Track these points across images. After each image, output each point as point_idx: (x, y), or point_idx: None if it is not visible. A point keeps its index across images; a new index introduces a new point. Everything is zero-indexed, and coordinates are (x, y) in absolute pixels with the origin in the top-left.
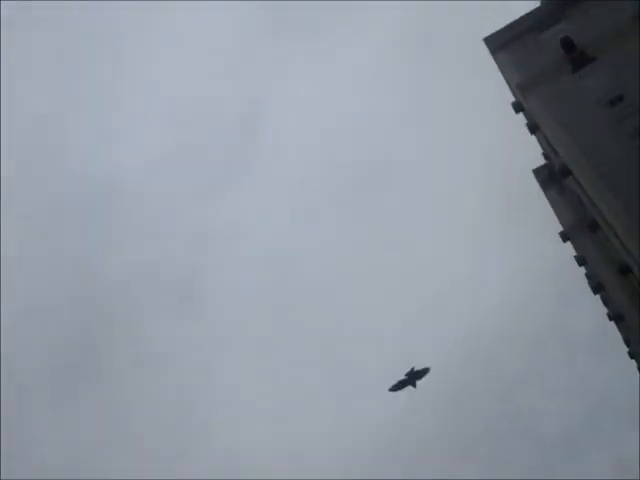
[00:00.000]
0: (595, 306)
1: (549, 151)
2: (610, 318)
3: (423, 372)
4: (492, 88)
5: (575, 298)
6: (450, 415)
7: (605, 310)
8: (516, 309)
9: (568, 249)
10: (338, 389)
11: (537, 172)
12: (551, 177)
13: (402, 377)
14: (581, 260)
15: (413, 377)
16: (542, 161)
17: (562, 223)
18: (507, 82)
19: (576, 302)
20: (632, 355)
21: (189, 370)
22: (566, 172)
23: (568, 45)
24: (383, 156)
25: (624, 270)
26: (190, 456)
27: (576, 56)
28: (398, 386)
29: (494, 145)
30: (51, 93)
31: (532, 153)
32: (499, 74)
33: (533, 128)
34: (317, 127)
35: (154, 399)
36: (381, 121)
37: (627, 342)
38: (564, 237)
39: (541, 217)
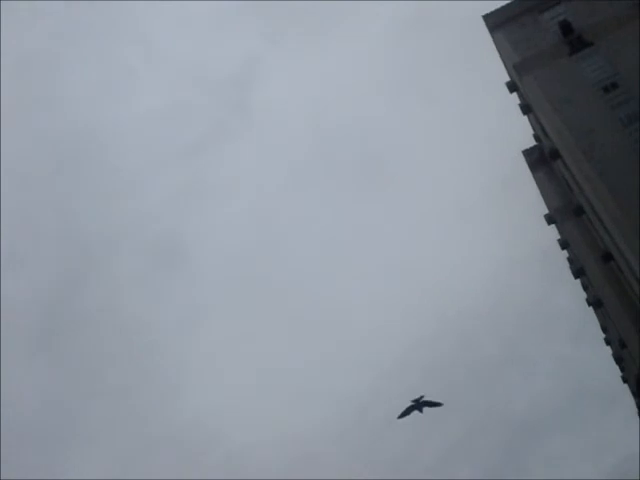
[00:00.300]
0: (576, 290)
1: (540, 133)
2: (589, 303)
3: (435, 404)
4: (487, 68)
5: (557, 282)
6: (423, 389)
7: (585, 295)
8: (498, 290)
9: (553, 232)
10: (317, 361)
11: (527, 153)
12: (541, 159)
13: (410, 403)
14: (564, 244)
15: (422, 404)
16: (533, 142)
17: (548, 206)
18: (503, 61)
19: (558, 286)
20: (608, 342)
21: (165, 331)
22: (555, 155)
23: (566, 28)
24: (375, 136)
25: (606, 257)
26: (158, 417)
27: (574, 40)
28: (406, 412)
29: (486, 125)
30: (42, 37)
31: (524, 134)
32: (495, 54)
33: (526, 109)
34: (313, 96)
35: (126, 359)
36: (375, 96)
37: (604, 329)
38: (549, 220)
39: (529, 199)
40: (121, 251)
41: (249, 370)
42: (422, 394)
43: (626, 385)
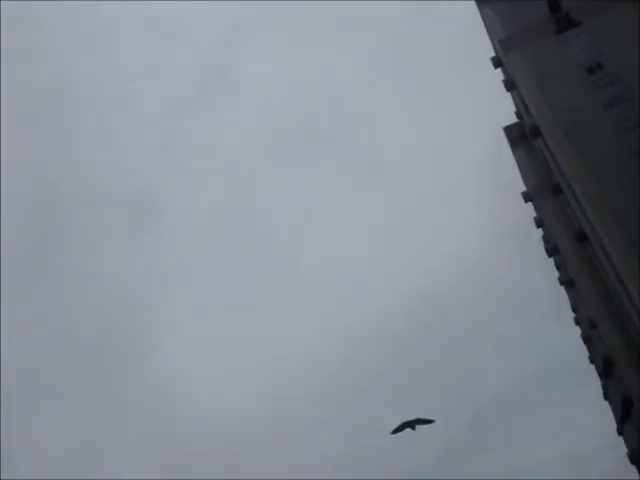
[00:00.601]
0: (549, 269)
1: (522, 110)
2: (561, 283)
3: (428, 421)
4: (474, 44)
5: (531, 259)
6: (392, 361)
7: (557, 274)
8: (472, 265)
9: (529, 210)
10: (290, 327)
11: (508, 130)
12: (521, 136)
13: (405, 420)
14: (540, 222)
15: (416, 422)
16: (515, 119)
17: (526, 183)
18: (489, 36)
19: (531, 263)
20: (577, 322)
21: (138, 289)
22: (536, 133)
23: (554, 6)
24: (356, 108)
25: (580, 237)
26: (129, 373)
27: (561, 18)
28: (399, 429)
29: (468, 101)
30: None
31: (507, 111)
32: (483, 30)
33: (510, 85)
34: (298, 66)
35: (98, 314)
36: (359, 72)
37: (574, 309)
38: (526, 197)
39: (508, 176)
40: (97, 206)
41: (220, 332)
42: (416, 416)
43: (593, 366)
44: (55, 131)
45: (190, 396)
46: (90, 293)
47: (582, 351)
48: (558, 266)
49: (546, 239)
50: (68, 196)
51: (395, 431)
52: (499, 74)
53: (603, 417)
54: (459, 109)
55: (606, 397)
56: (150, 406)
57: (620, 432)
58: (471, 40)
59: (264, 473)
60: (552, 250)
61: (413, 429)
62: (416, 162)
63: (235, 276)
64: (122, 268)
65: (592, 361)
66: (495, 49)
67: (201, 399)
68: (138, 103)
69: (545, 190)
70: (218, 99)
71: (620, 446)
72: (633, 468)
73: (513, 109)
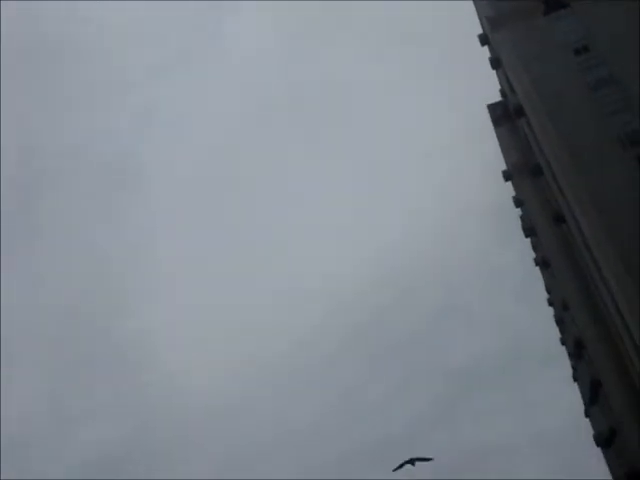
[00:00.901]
0: (525, 249)
1: (507, 89)
2: (536, 263)
3: (426, 459)
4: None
5: (507, 239)
6: (361, 336)
7: (533, 255)
8: (447, 240)
9: (509, 189)
10: (263, 295)
11: (491, 108)
12: (505, 115)
13: (405, 460)
14: (518, 202)
15: (414, 460)
16: (499, 98)
17: (507, 162)
18: (478, 14)
19: (508, 243)
20: (551, 303)
21: (113, 251)
22: (520, 112)
23: None
24: (342, 76)
25: (558, 219)
26: (101, 333)
27: None
28: (400, 466)
29: (455, 77)
30: None
31: (492, 89)
32: (471, 6)
33: (495, 63)
34: (288, 35)
35: (73, 275)
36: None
37: (548, 290)
38: (506, 176)
39: (489, 154)
40: (77, 167)
41: (194, 297)
42: (412, 457)
43: (564, 347)
44: (36, 89)
45: (160, 357)
46: (69, 256)
47: (554, 332)
48: (534, 247)
49: (524, 219)
50: (47, 156)
51: (396, 469)
52: (486, 52)
53: (571, 398)
54: (444, 85)
55: (575, 379)
56: (120, 367)
57: (587, 414)
58: (460, 17)
59: (229, 431)
60: (529, 230)
61: (413, 465)
62: (400, 135)
63: (211, 243)
64: (100, 230)
65: (563, 343)
66: (483, 26)
67: (171, 359)
68: (121, 62)
69: (525, 170)
70: (206, 63)
71: (587, 428)
72: (598, 450)
73: (498, 87)
